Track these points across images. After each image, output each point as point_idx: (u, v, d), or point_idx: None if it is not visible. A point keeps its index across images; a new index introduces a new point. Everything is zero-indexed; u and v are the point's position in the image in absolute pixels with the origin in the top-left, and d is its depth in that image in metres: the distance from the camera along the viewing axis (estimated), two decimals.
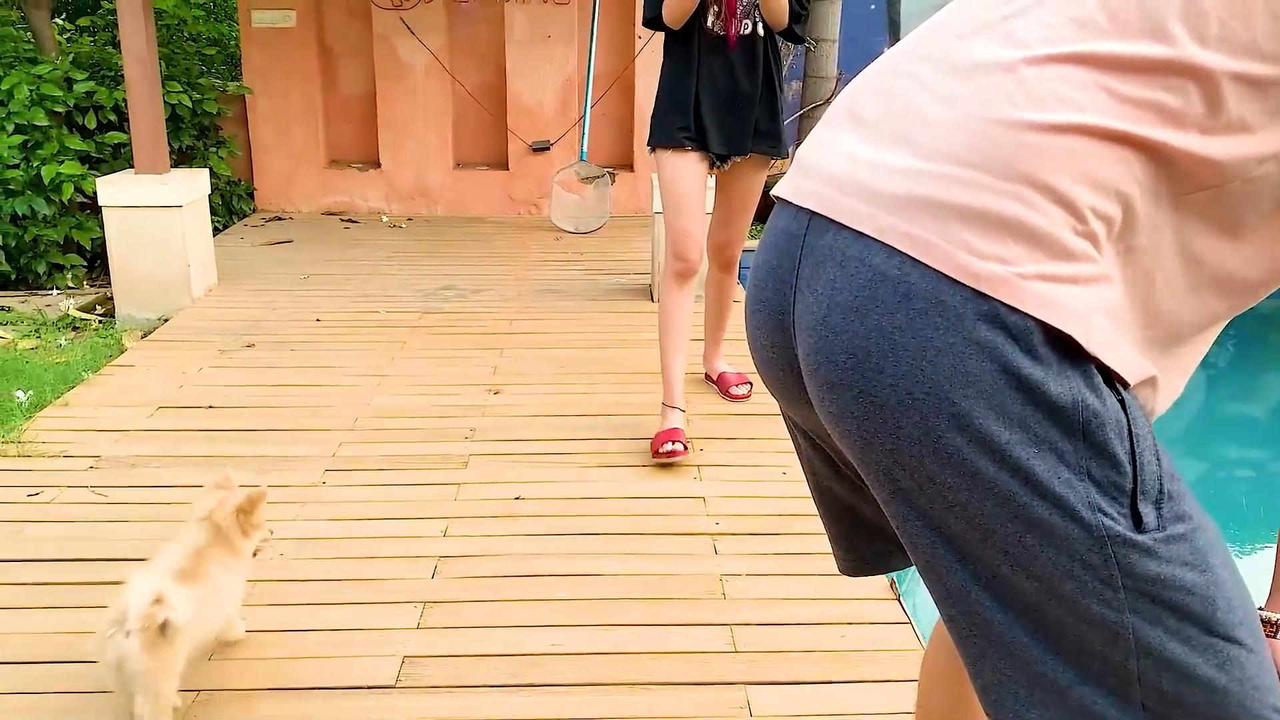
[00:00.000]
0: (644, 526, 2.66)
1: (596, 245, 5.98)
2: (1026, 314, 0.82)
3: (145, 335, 4.28)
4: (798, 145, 6.65)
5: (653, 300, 4.78)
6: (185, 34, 6.70)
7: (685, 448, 2.97)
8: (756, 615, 2.29)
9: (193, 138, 6.00)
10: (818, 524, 2.61)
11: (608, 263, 5.56)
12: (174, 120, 5.69)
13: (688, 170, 3.01)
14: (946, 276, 0.84)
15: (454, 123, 6.81)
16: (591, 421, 3.33)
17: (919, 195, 0.87)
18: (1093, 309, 0.84)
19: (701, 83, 2.95)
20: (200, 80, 6.08)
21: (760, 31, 2.96)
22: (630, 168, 6.87)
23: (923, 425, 0.86)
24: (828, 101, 6.45)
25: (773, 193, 1.05)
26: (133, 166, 4.62)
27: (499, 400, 3.52)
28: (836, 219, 0.92)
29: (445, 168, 6.81)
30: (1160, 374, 0.92)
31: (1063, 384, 0.83)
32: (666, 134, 2.99)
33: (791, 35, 3.02)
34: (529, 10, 6.61)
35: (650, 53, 6.57)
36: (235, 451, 3.08)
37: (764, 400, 3.41)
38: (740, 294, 3.47)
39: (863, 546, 1.20)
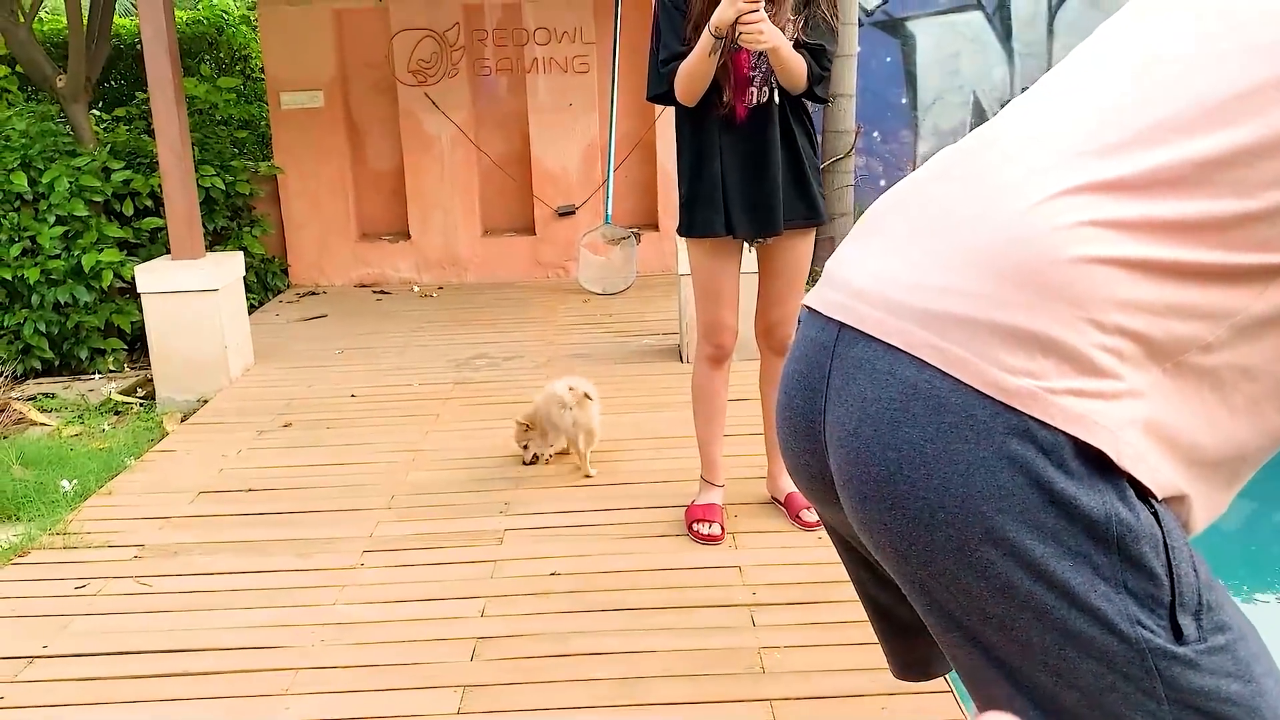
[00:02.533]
0: (681, 599, 2.66)
1: (625, 306, 6.03)
2: (1057, 429, 0.84)
3: (185, 418, 4.36)
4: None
5: (682, 360, 4.81)
6: (217, 118, 6.87)
7: (723, 531, 2.92)
8: (797, 689, 2.28)
9: (226, 219, 6.14)
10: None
11: (636, 324, 5.59)
12: (208, 203, 5.82)
13: (719, 257, 2.82)
14: (977, 391, 0.86)
15: (480, 191, 6.91)
16: (625, 490, 3.34)
17: (949, 311, 0.89)
18: (1124, 424, 0.85)
19: (723, 162, 2.73)
20: (233, 163, 6.23)
21: (777, 99, 2.70)
22: (655, 227, 6.93)
23: (956, 539, 0.88)
24: (848, 155, 6.50)
25: (803, 302, 1.08)
26: (169, 251, 4.74)
27: (533, 471, 3.54)
28: (866, 331, 0.94)
29: (473, 235, 6.90)
30: (1203, 490, 0.91)
31: (1095, 498, 0.84)
32: (692, 224, 2.80)
33: (813, 96, 2.75)
34: (550, 80, 6.73)
35: (670, 115, 6.64)
36: (274, 535, 3.12)
37: None
38: None
39: (908, 651, 1.21)
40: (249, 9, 8.41)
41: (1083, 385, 0.84)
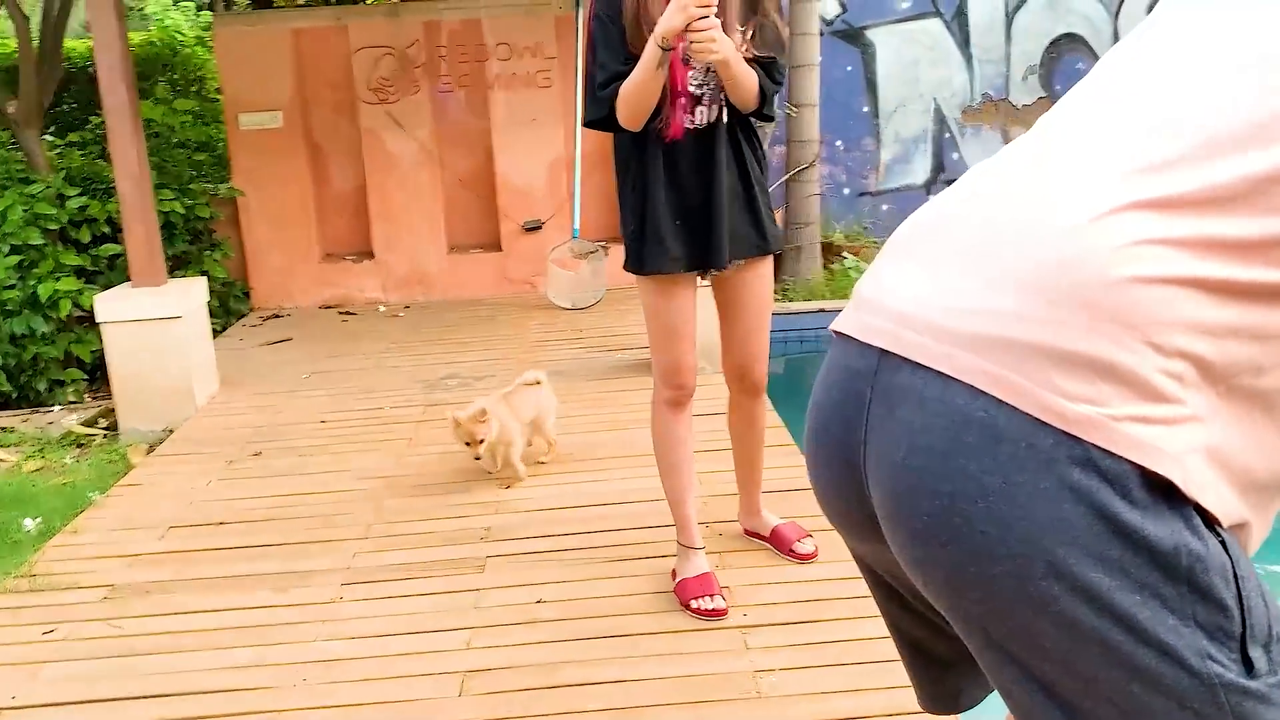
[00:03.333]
0: (670, 624, 2.62)
1: (595, 321, 5.98)
2: (1121, 457, 0.80)
3: (151, 449, 4.26)
4: (785, 208, 6.64)
5: None
6: (174, 141, 6.76)
7: (726, 604, 2.62)
8: (793, 713, 2.24)
9: (186, 243, 6.03)
10: (850, 608, 2.59)
11: (608, 338, 5.55)
12: (168, 228, 5.70)
13: (675, 295, 2.57)
14: (1036, 419, 0.82)
15: (445, 208, 6.84)
16: (607, 512, 3.29)
17: (1000, 335, 0.85)
18: (1188, 450, 0.82)
19: (669, 189, 2.47)
20: (191, 186, 6.12)
21: (725, 117, 2.48)
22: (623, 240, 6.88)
23: (1017, 575, 0.84)
24: (812, 164, 6.50)
25: (832, 327, 1.03)
26: (129, 278, 4.63)
27: (511, 494, 3.48)
28: (910, 358, 0.90)
29: (439, 253, 6.83)
30: (1259, 514, 0.89)
31: (1163, 527, 0.81)
32: (641, 260, 2.53)
33: (762, 115, 2.53)
34: (512, 95, 6.69)
35: None
36: (250, 570, 3.04)
37: (782, 477, 3.36)
38: (772, 420, 3.24)
39: (938, 684, 1.17)
40: (204, 29, 8.30)
41: (1146, 411, 0.81)
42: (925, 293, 0.92)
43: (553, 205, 6.83)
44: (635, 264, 2.57)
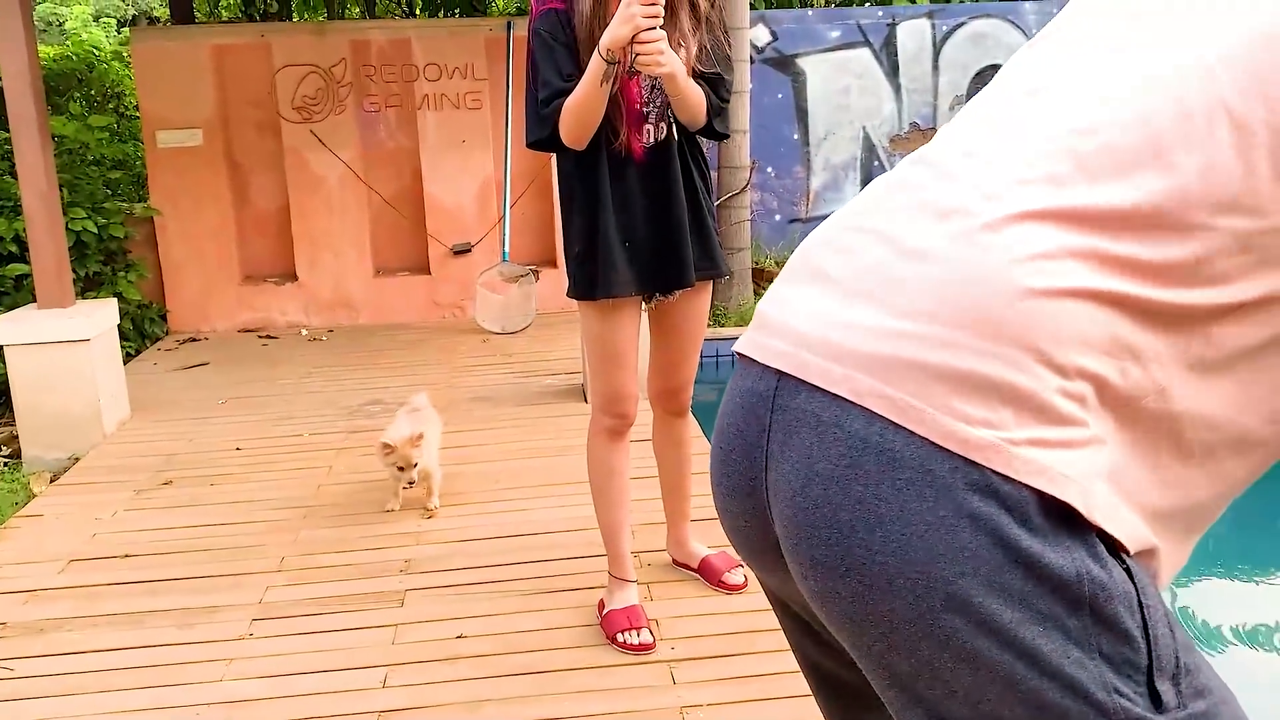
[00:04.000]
0: (597, 659, 2.53)
1: (525, 345, 5.89)
2: (1021, 483, 0.77)
3: (55, 478, 4.06)
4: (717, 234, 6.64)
5: (586, 400, 4.69)
6: (88, 158, 6.54)
7: (654, 638, 2.55)
8: None
9: (99, 263, 5.81)
10: (780, 640, 2.51)
11: (538, 363, 5.46)
12: (79, 247, 5.51)
13: (620, 321, 2.48)
14: (933, 444, 0.78)
15: (371, 230, 6.72)
16: (532, 542, 3.20)
17: (898, 356, 0.81)
18: (1090, 474, 0.78)
19: (621, 211, 2.40)
20: (106, 204, 5.92)
21: (676, 135, 2.42)
22: (554, 264, 6.81)
23: (916, 607, 0.79)
24: (743, 190, 6.50)
25: (735, 348, 0.98)
26: (35, 299, 4.43)
27: (433, 525, 3.37)
28: (808, 380, 0.86)
29: (365, 276, 6.69)
30: (1167, 542, 0.85)
31: (1064, 555, 0.77)
32: (591, 284, 2.43)
33: (712, 133, 2.45)
34: (441, 116, 6.60)
35: None
36: (154, 605, 2.89)
37: (711, 505, 3.31)
38: (702, 447, 3.16)
39: (852, 718, 1.12)
40: (122, 44, 8.08)
41: (1046, 434, 0.77)
42: (825, 311, 0.88)
43: (482, 228, 6.74)
44: (584, 288, 2.46)
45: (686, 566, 2.93)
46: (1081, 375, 0.78)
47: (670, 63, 2.21)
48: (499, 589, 2.91)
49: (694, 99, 2.34)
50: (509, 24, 6.66)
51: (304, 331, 6.49)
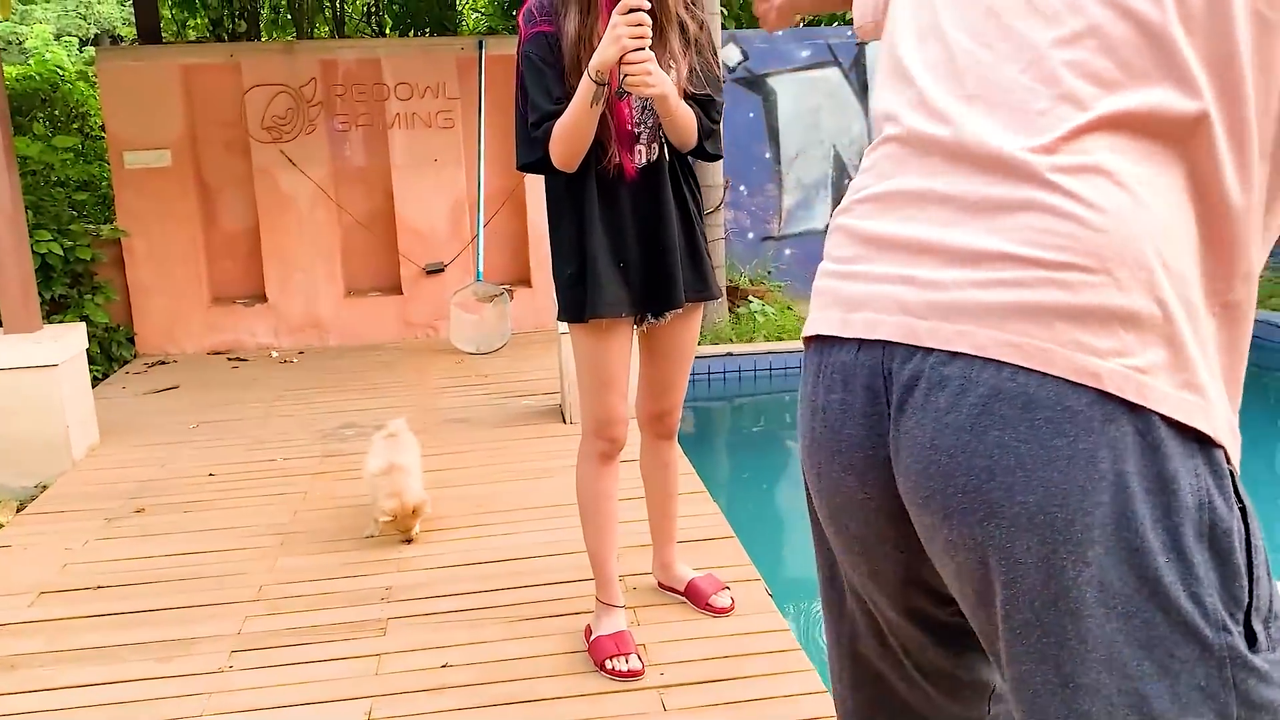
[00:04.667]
0: (583, 686, 2.50)
1: (501, 366, 5.86)
2: (1152, 410, 0.80)
3: (22, 507, 3.97)
4: None
5: (565, 421, 4.66)
6: (53, 179, 6.44)
7: (643, 664, 2.52)
8: None
9: (66, 286, 5.73)
10: (770, 664, 2.51)
11: (514, 384, 5.43)
12: (44, 270, 5.42)
13: (612, 343, 2.44)
14: (1069, 381, 0.80)
15: (342, 250, 6.66)
16: (515, 568, 3.16)
17: (1012, 301, 0.82)
18: (1209, 392, 0.82)
19: (613, 232, 2.39)
20: (72, 226, 5.83)
21: (668, 155, 2.42)
22: (528, 283, 6.80)
23: (1054, 540, 0.81)
24: (717, 209, 6.51)
25: (813, 331, 0.98)
26: (1, 324, 4.35)
27: (414, 551, 3.32)
28: (921, 344, 0.87)
29: (336, 297, 6.63)
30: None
31: (1192, 481, 0.80)
32: (584, 306, 2.39)
33: (704, 154, 2.45)
34: (413, 135, 6.56)
35: None
36: (129, 639, 2.82)
37: (696, 526, 3.29)
38: (684, 467, 3.19)
39: None
40: (87, 64, 7.98)
41: (1169, 359, 0.80)
42: (917, 274, 0.89)
43: (455, 247, 6.70)
44: (575, 311, 2.42)
45: (673, 590, 2.90)
46: (1191, 285, 0.81)
47: (659, 83, 2.20)
48: (483, 616, 2.87)
49: (685, 120, 2.33)
50: (480, 43, 6.64)
51: (274, 353, 6.42)
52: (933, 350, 0.86)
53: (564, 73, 2.29)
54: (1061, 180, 0.82)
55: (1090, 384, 0.80)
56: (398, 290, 6.72)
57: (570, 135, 2.26)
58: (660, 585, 2.94)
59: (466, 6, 9.21)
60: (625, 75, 2.16)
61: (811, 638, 3.03)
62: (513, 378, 5.55)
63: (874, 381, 0.92)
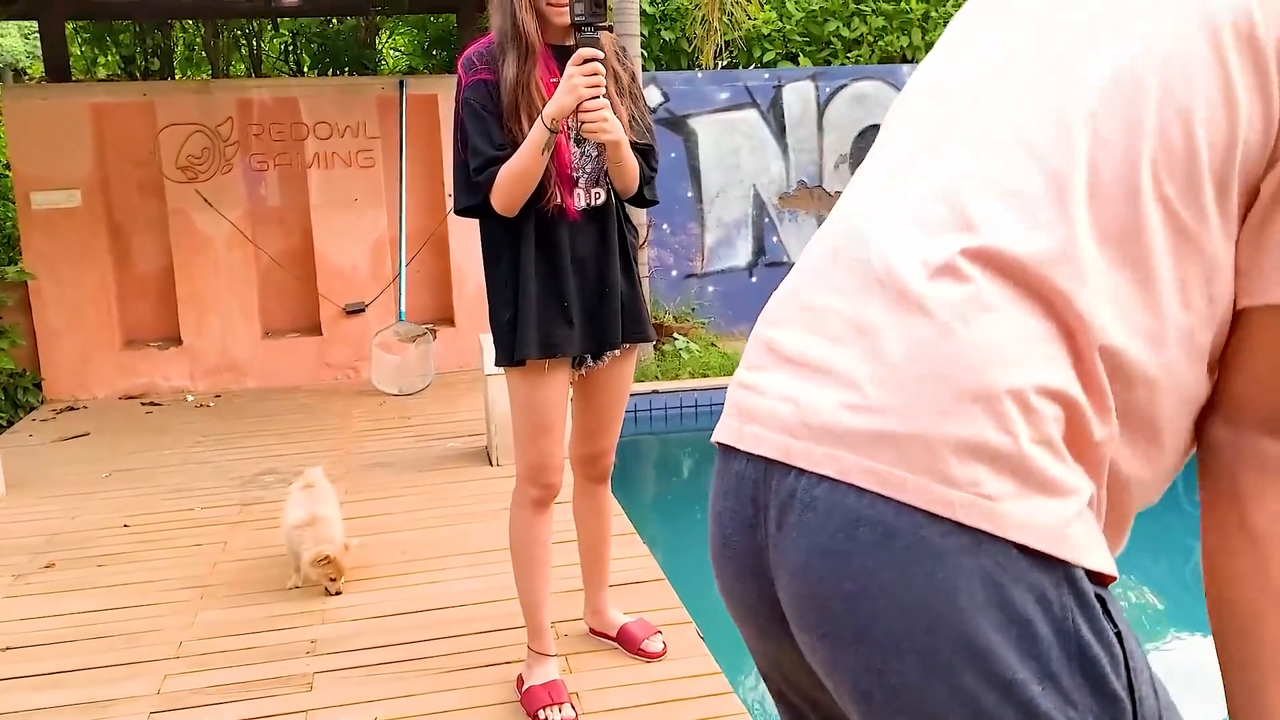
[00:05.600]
0: None
1: (424, 407, 5.80)
2: (1008, 540, 0.79)
3: None
4: None
5: (491, 464, 4.63)
6: None
7: (576, 713, 2.50)
8: None
9: None
10: (704, 708, 2.52)
11: (439, 426, 5.38)
12: None
13: (555, 381, 2.44)
14: (923, 510, 0.81)
15: (260, 291, 6.55)
16: (445, 616, 3.12)
17: (873, 430, 0.84)
18: (1071, 517, 0.81)
19: (555, 273, 2.39)
20: None
21: (612, 199, 2.45)
22: (451, 323, 6.76)
23: (923, 668, 0.82)
24: (641, 247, 6.56)
25: (714, 439, 1.00)
26: None
27: (339, 601, 3.26)
28: (794, 464, 0.88)
29: (253, 338, 6.51)
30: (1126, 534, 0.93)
31: (1057, 610, 0.80)
32: (523, 346, 2.37)
33: (641, 200, 2.48)
34: (332, 175, 6.51)
35: None
36: (42, 703, 2.72)
37: (626, 569, 3.29)
38: (615, 508, 3.21)
39: None
40: None
41: (1020, 488, 0.80)
42: (795, 395, 0.90)
43: (376, 287, 6.64)
44: (511, 354, 2.41)
45: (605, 635, 2.89)
46: (1054, 420, 0.81)
47: (615, 129, 2.25)
48: (413, 668, 2.82)
49: (631, 167, 2.37)
50: (401, 83, 6.63)
51: (190, 398, 6.27)
52: (804, 471, 0.87)
53: (502, 119, 2.31)
54: (933, 306, 0.83)
55: (944, 513, 0.80)
56: (317, 331, 6.62)
57: (518, 180, 2.28)
58: (592, 631, 2.93)
59: (386, 46, 9.18)
60: (583, 122, 2.22)
61: (744, 680, 3.05)
62: (437, 420, 5.50)
63: (757, 495, 0.93)
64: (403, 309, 6.47)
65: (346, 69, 8.59)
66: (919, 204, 0.89)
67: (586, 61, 2.16)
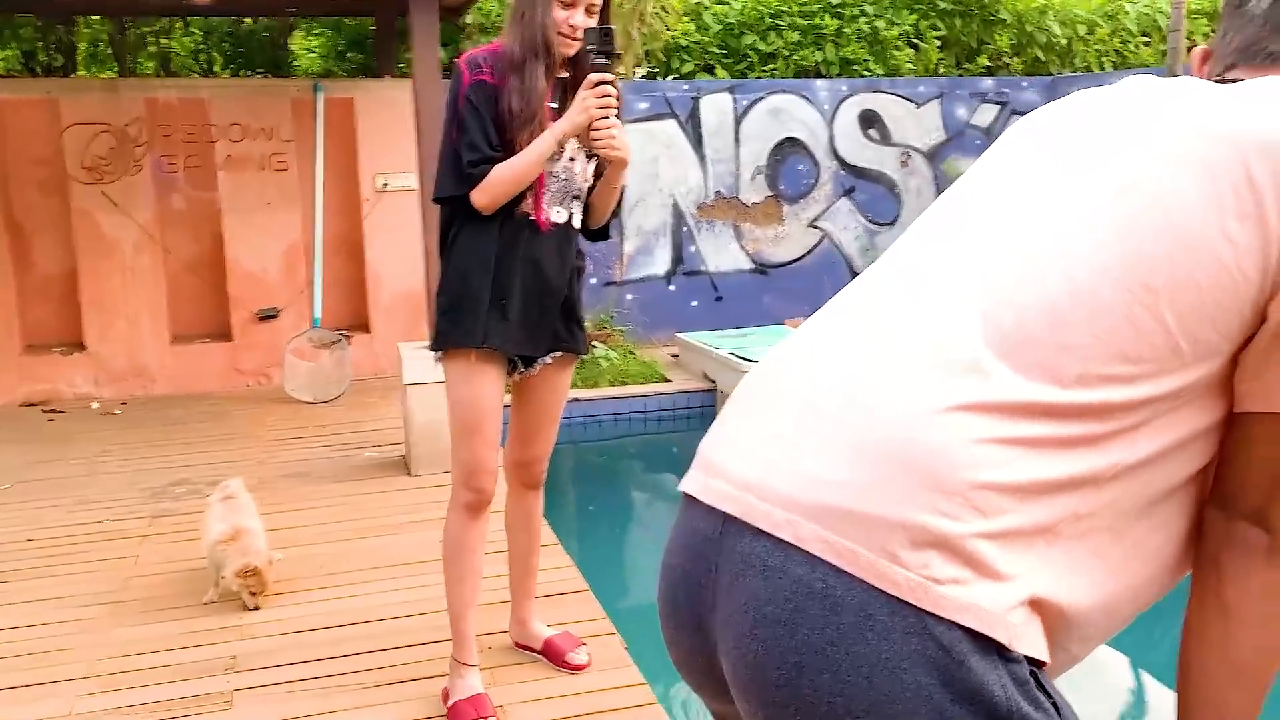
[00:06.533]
0: None
1: (340, 415, 5.73)
2: (952, 622, 0.83)
3: None
4: None
5: (410, 474, 4.60)
6: None
7: None
8: None
9: None
10: (627, 703, 2.54)
11: (356, 434, 5.32)
12: None
13: (489, 380, 2.49)
14: (872, 587, 0.84)
15: (169, 295, 6.40)
16: (367, 630, 3.10)
17: (837, 504, 0.87)
18: (1013, 605, 0.85)
19: (507, 273, 2.45)
20: None
21: (575, 223, 2.54)
22: (366, 329, 6.69)
23: None
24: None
25: (681, 488, 1.02)
26: None
27: (258, 616, 3.21)
28: (753, 524, 0.91)
29: (161, 344, 6.36)
30: (1081, 648, 0.94)
31: (998, 691, 0.84)
32: (468, 333, 2.44)
33: (604, 231, 2.65)
34: (245, 178, 6.39)
35: (379, 215, 6.49)
36: None
37: (550, 580, 3.30)
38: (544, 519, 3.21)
39: None
40: None
41: (967, 574, 0.84)
42: (771, 456, 0.93)
43: (289, 292, 6.54)
44: (446, 338, 2.49)
45: (529, 648, 2.91)
46: (1001, 514, 0.85)
47: (625, 150, 2.40)
48: (336, 683, 2.80)
49: (618, 192, 2.55)
50: (316, 86, 6.54)
51: (95, 404, 6.09)
52: (761, 533, 0.90)
53: (497, 122, 2.40)
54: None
55: (890, 591, 0.84)
56: (228, 337, 6.49)
57: (512, 184, 2.39)
58: (516, 644, 2.94)
59: (300, 48, 9.02)
60: (596, 139, 2.35)
61: (669, 691, 3.09)
62: (354, 429, 5.44)
63: (709, 554, 0.95)
64: (318, 315, 6.38)
65: (260, 70, 8.42)
66: (950, 321, 0.92)
67: (598, 85, 2.30)
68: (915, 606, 0.83)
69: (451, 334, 2.48)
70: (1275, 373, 0.89)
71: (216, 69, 8.56)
